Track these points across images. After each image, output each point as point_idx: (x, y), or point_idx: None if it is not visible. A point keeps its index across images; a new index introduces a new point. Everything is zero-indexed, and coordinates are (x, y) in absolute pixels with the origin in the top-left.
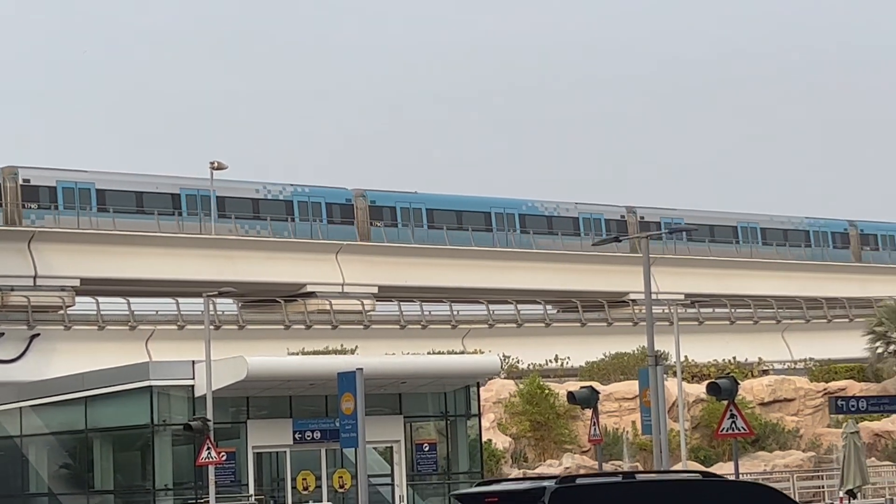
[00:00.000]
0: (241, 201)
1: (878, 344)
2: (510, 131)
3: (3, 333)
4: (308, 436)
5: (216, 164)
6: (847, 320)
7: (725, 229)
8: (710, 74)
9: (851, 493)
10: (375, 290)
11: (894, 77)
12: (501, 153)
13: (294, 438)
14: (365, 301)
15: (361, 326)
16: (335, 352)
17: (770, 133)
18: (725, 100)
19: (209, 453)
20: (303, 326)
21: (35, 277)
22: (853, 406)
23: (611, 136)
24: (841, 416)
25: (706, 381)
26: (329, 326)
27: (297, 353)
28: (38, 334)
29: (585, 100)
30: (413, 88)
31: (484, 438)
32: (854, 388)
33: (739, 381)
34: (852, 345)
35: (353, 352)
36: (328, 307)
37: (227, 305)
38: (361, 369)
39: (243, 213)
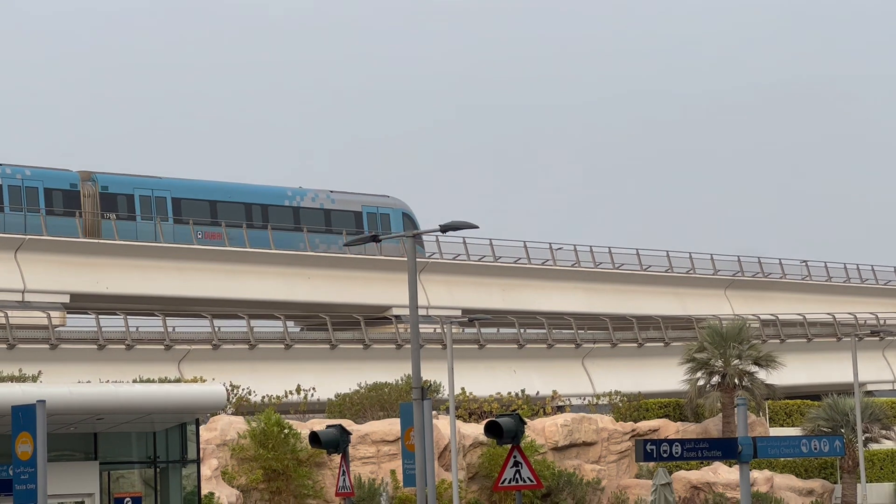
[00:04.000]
0: None
1: (698, 375)
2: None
3: None
4: None
5: None
6: (662, 344)
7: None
8: None
9: None
10: (67, 298)
11: None
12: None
13: None
14: (52, 313)
15: (47, 346)
16: (12, 379)
17: None
18: None
19: None
20: None
21: None
22: (665, 451)
23: None
24: (651, 464)
25: (486, 420)
26: (4, 346)
27: None
28: None
29: None
30: None
31: (204, 491)
32: (669, 428)
33: (527, 420)
34: (668, 375)
35: (35, 379)
36: (3, 320)
37: None
38: (44, 402)
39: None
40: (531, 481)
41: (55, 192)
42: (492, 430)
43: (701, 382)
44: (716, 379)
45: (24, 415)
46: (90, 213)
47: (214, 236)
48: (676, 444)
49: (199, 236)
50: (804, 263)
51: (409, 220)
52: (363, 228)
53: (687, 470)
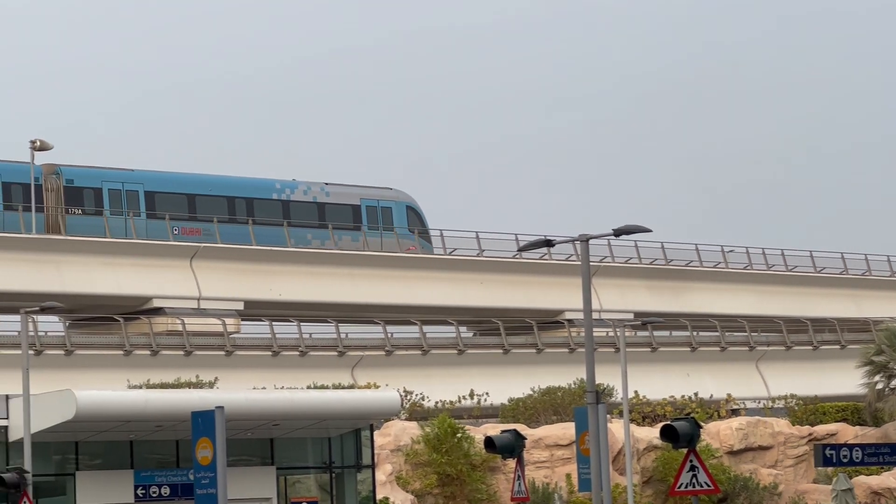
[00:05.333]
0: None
1: (877, 378)
2: None
3: None
4: (154, 492)
5: (38, 144)
6: (838, 347)
7: None
8: None
9: None
10: (241, 305)
11: None
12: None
13: (136, 495)
14: (228, 320)
15: (223, 352)
16: (189, 385)
17: None
18: None
19: None
20: (148, 352)
21: None
22: (845, 456)
23: None
24: (830, 469)
25: (660, 424)
26: (181, 352)
27: (141, 386)
28: None
29: None
30: None
31: (379, 495)
32: (847, 433)
33: (702, 424)
34: (845, 379)
35: (212, 385)
36: (180, 327)
37: (50, 324)
38: (222, 408)
39: (74, 206)
40: (708, 486)
41: (13, 186)
42: (667, 434)
43: (880, 386)
44: (895, 382)
45: (203, 420)
46: (53, 207)
47: (192, 232)
48: (857, 448)
49: (175, 232)
50: None
51: (414, 214)
52: (361, 223)
53: (867, 475)
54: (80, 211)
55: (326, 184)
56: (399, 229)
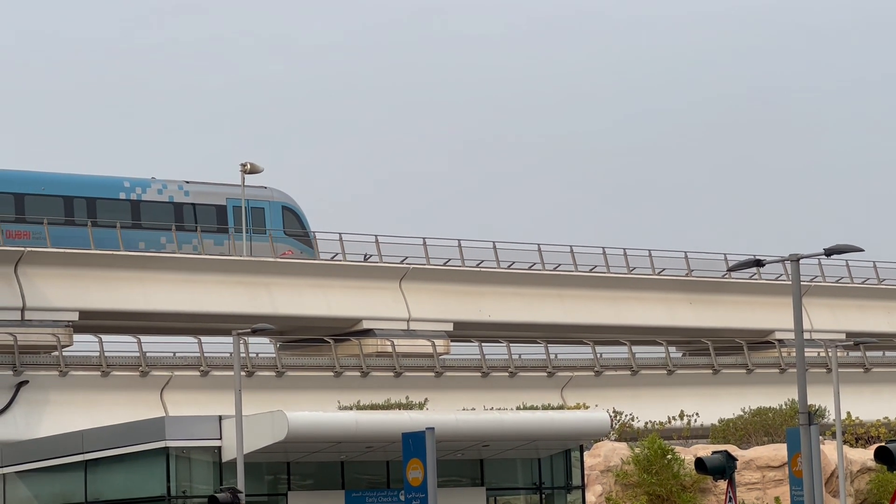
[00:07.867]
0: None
1: None
2: None
3: None
4: None
5: (248, 167)
6: None
7: None
8: None
9: None
10: (450, 326)
11: None
12: None
13: None
14: (437, 341)
15: (433, 373)
16: (399, 406)
17: None
18: None
19: None
20: (358, 373)
21: (23, 310)
22: None
23: None
24: None
25: (874, 446)
26: (391, 373)
27: (351, 408)
28: (27, 381)
29: None
30: None
31: None
32: None
33: None
34: None
35: (422, 406)
36: (390, 349)
37: (262, 346)
38: (433, 429)
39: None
40: None
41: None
42: (882, 456)
43: None
44: None
45: (413, 441)
46: None
47: (19, 235)
48: None
49: None
50: None
51: (291, 214)
52: (227, 224)
53: None
54: None
55: (186, 182)
56: (274, 232)
